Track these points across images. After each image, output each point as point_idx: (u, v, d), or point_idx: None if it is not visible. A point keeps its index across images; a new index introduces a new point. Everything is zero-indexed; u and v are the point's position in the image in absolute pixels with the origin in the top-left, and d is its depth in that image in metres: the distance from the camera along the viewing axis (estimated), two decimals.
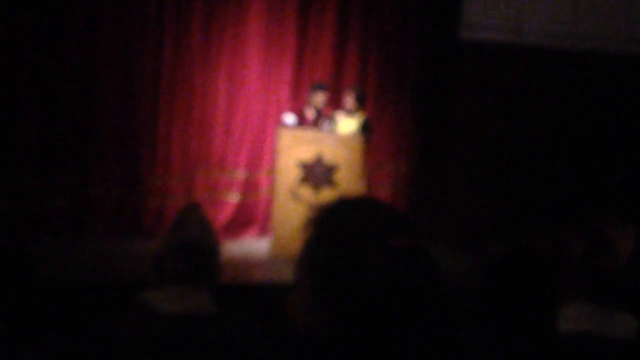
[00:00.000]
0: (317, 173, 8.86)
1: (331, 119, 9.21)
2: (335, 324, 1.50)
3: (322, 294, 1.53)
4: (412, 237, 1.56)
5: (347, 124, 9.20)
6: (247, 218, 10.10)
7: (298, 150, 8.85)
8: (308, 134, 8.98)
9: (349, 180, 8.86)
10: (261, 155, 10.19)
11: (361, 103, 9.32)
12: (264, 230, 9.95)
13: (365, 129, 9.16)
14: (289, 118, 9.12)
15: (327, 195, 8.68)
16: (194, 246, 3.05)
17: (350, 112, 9.26)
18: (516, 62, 10.22)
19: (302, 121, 9.19)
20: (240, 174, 10.09)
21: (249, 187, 10.15)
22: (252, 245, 9.63)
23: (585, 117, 10.19)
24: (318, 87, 9.34)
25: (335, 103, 9.57)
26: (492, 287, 2.58)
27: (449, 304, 1.57)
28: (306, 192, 8.82)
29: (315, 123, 9.18)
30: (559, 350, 2.51)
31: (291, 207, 8.75)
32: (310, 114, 9.24)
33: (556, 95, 10.21)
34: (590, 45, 10.19)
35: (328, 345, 1.52)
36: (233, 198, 10.06)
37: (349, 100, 9.27)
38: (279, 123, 9.35)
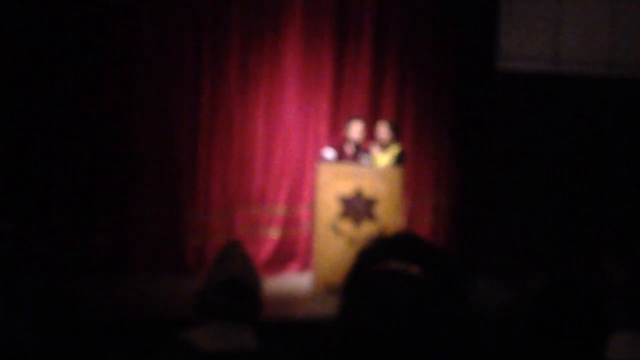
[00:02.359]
0: (357, 207, 8.83)
1: (370, 153, 9.19)
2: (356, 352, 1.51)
3: (344, 323, 1.55)
4: (439, 269, 1.57)
5: (383, 158, 9.18)
6: (288, 253, 10.09)
7: (338, 184, 8.83)
8: (347, 168, 8.95)
9: (388, 214, 8.82)
10: (301, 190, 10.19)
11: (396, 134, 9.31)
12: (305, 265, 9.93)
13: (400, 160, 9.13)
14: (328, 153, 9.11)
15: (367, 229, 8.66)
16: (235, 283, 3.05)
17: (384, 144, 9.23)
18: (554, 90, 10.17)
19: (341, 156, 9.16)
20: (280, 210, 10.10)
21: (290, 222, 10.14)
22: (294, 281, 9.61)
23: (624, 144, 10.10)
24: (355, 118, 9.32)
25: (372, 136, 9.54)
26: (538, 317, 2.55)
27: (479, 333, 1.57)
28: (347, 226, 8.79)
29: (355, 157, 9.16)
30: None
31: (332, 241, 8.72)
32: (349, 148, 9.22)
33: (595, 123, 10.15)
34: (628, 72, 10.13)
35: None
36: (274, 234, 10.06)
37: (382, 130, 9.25)
38: (318, 158, 9.34)
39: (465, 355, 1.53)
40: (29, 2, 9.18)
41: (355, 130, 9.21)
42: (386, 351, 1.49)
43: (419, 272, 1.55)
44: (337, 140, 9.76)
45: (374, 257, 1.62)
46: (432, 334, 1.52)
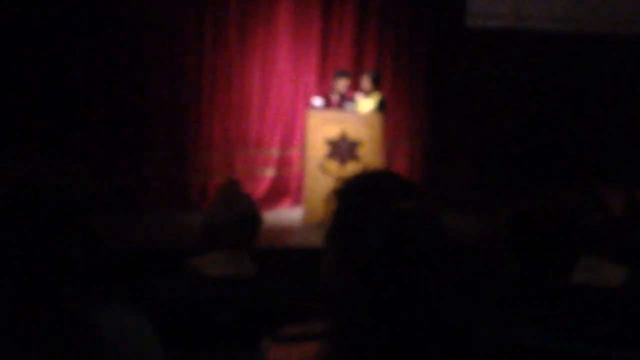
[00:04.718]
0: (342, 149, 8.82)
1: (353, 100, 9.20)
2: (351, 278, 1.50)
3: (340, 253, 1.54)
4: (418, 201, 1.55)
5: (366, 104, 9.17)
6: (281, 190, 10.09)
7: (325, 129, 8.82)
8: (333, 114, 8.94)
9: (370, 155, 8.82)
10: (293, 134, 10.17)
11: (376, 84, 9.29)
12: (296, 200, 9.94)
13: (381, 107, 9.15)
14: (317, 101, 9.12)
15: (351, 168, 8.65)
16: (248, 218, 3.05)
17: (367, 93, 9.23)
18: (515, 45, 10.08)
19: (328, 103, 9.16)
20: (274, 152, 10.08)
21: (283, 163, 10.13)
22: (287, 214, 9.63)
23: (577, 90, 10.03)
24: (341, 74, 9.34)
25: (356, 86, 9.53)
26: (509, 247, 2.54)
27: (454, 257, 1.55)
28: (333, 166, 8.79)
29: (340, 105, 9.16)
30: (564, 299, 2.48)
31: (320, 179, 8.72)
32: (335, 97, 9.22)
33: (550, 72, 10.08)
34: (578, 27, 10.03)
35: (346, 298, 1.52)
36: (269, 173, 10.04)
37: (366, 82, 9.24)
38: (308, 105, 9.34)
39: (457, 278, 1.52)
40: None
41: (341, 84, 9.25)
42: (392, 281, 1.48)
43: (412, 206, 1.54)
44: (325, 89, 9.75)
45: (363, 193, 1.61)
46: (435, 262, 1.50)
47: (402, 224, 1.50)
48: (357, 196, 1.62)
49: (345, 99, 9.22)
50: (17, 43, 8.81)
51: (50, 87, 9.02)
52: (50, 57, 8.97)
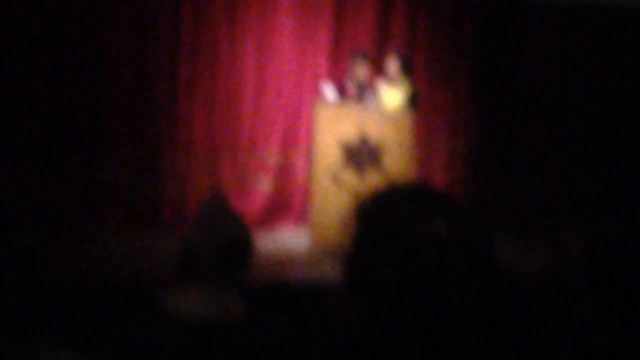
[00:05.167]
0: (361, 154, 8.84)
1: (375, 91, 9.17)
2: (372, 325, 1.49)
3: (362, 293, 1.53)
4: (462, 226, 1.54)
5: (392, 95, 9.15)
6: (281, 207, 10.15)
7: (339, 128, 8.84)
8: (351, 109, 8.95)
9: (398, 163, 8.83)
10: (296, 134, 10.22)
11: (406, 70, 9.24)
12: (301, 221, 9.98)
13: (413, 100, 9.10)
14: (328, 90, 9.11)
15: (373, 180, 8.66)
16: (237, 244, 3.06)
17: (394, 81, 9.20)
18: (587, 21, 10.05)
19: (343, 94, 9.16)
20: (272, 157, 10.12)
21: (283, 171, 10.18)
22: (288, 239, 9.67)
23: None
24: (360, 56, 9.30)
25: (379, 72, 9.50)
26: (588, 288, 2.54)
27: (514, 301, 1.54)
28: (349, 177, 8.81)
29: (358, 96, 9.15)
30: None
31: (332, 194, 8.75)
32: (352, 86, 9.21)
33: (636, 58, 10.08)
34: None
35: (366, 350, 1.51)
36: (264, 184, 10.08)
37: (392, 66, 9.21)
38: (317, 96, 9.35)
39: (516, 332, 1.51)
40: None
41: (361, 70, 9.20)
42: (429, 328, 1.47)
43: (463, 235, 1.53)
44: (339, 76, 9.73)
45: (393, 216, 1.60)
46: (485, 309, 1.49)
47: (439, 256, 1.49)
48: (380, 220, 1.59)
49: (366, 89, 9.22)
50: None
51: None
52: None
